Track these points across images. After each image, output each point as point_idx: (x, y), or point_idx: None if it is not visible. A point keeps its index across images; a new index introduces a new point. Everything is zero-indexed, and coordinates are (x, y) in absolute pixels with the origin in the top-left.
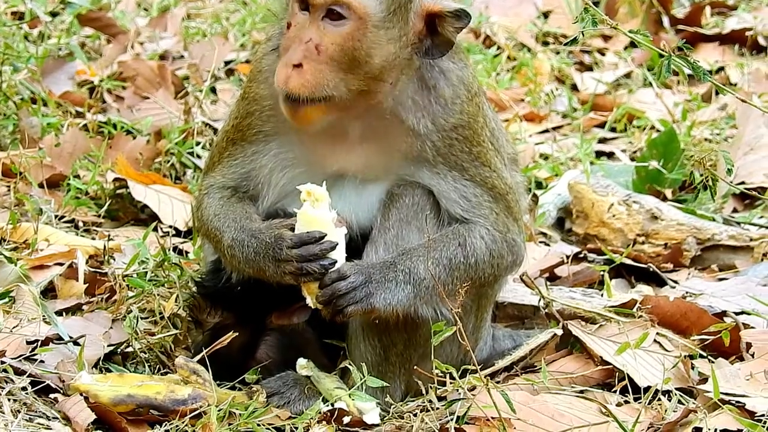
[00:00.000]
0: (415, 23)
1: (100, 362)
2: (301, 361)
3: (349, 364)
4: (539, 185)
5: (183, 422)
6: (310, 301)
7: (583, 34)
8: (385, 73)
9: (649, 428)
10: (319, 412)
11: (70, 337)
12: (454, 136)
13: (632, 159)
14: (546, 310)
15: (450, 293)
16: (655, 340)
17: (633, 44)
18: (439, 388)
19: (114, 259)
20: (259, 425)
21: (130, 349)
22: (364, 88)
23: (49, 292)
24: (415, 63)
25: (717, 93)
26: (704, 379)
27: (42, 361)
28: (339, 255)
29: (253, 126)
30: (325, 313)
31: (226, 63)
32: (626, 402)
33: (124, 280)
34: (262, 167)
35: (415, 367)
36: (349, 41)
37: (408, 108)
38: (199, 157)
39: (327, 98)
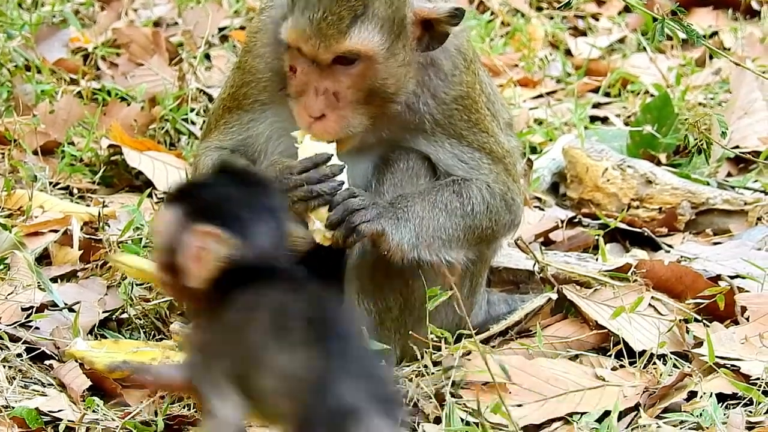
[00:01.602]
0: (413, 32)
1: (95, 329)
2: None
3: None
4: (533, 150)
5: None
6: (319, 225)
7: None
8: (400, 90)
9: (644, 392)
10: None
11: (65, 304)
12: (453, 107)
13: (626, 124)
14: (541, 275)
15: (449, 240)
16: (650, 304)
17: (627, 9)
18: (434, 353)
19: (109, 226)
20: None
21: (125, 316)
22: (384, 110)
23: (43, 258)
24: (419, 58)
25: (711, 57)
26: (699, 343)
27: (37, 328)
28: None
29: (249, 95)
30: (336, 236)
31: (221, 29)
32: (621, 366)
33: (119, 247)
34: (258, 135)
35: (410, 332)
36: (362, 80)
37: (411, 90)
38: (193, 123)
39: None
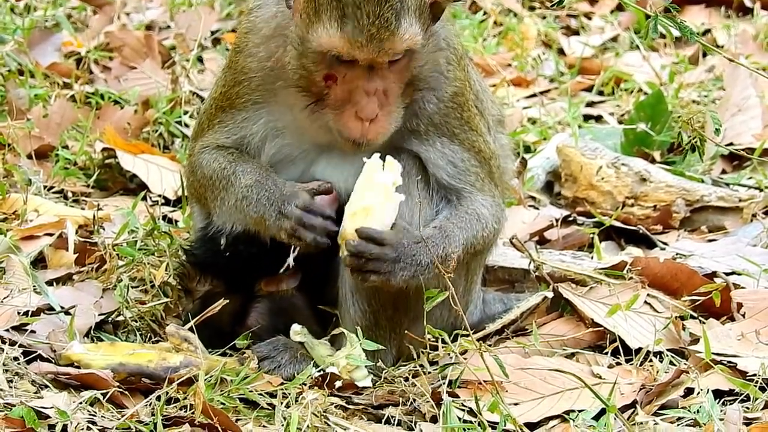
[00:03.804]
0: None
1: (92, 331)
2: (295, 327)
3: (343, 330)
4: (527, 149)
5: (178, 391)
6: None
7: None
8: (431, 73)
9: (641, 389)
10: (311, 377)
11: (61, 307)
12: (450, 105)
13: (620, 122)
14: (536, 273)
15: (457, 260)
16: (645, 302)
17: (619, 8)
18: (430, 353)
19: (104, 229)
20: (251, 391)
21: (121, 318)
22: (412, 99)
23: (39, 262)
24: None
25: (704, 55)
26: (695, 340)
27: (33, 331)
28: (388, 219)
29: (241, 95)
30: (347, 263)
31: (213, 32)
32: (618, 364)
33: (114, 250)
34: (253, 134)
35: (406, 331)
36: (406, 73)
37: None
38: (187, 126)
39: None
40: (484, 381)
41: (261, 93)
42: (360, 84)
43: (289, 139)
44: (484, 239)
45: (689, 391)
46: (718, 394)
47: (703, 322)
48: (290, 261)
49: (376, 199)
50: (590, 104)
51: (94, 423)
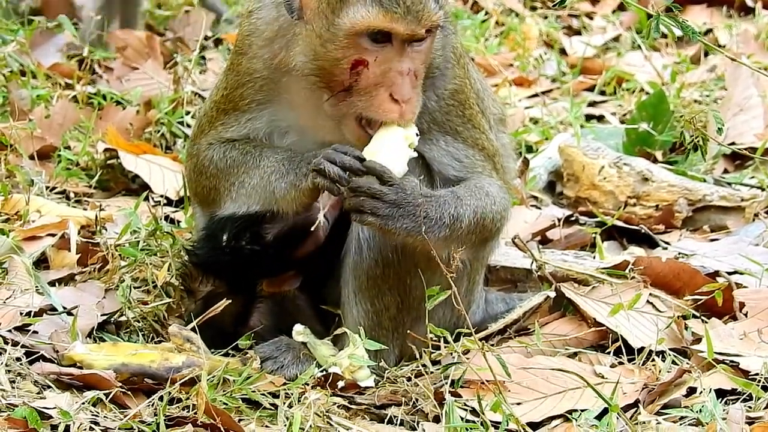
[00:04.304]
0: None
1: (94, 332)
2: (298, 327)
3: (346, 330)
4: (529, 149)
5: (180, 391)
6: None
7: None
8: (437, 67)
9: (643, 389)
10: (313, 377)
11: (64, 308)
12: (450, 103)
13: (622, 122)
14: (538, 273)
15: (465, 240)
16: (648, 301)
17: (621, 8)
18: (433, 352)
19: (106, 229)
20: (253, 391)
21: (123, 319)
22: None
23: (41, 263)
24: None
25: (706, 55)
26: (698, 339)
27: (36, 332)
28: (396, 169)
29: (245, 96)
30: (346, 204)
31: (214, 32)
32: (620, 363)
33: (116, 250)
34: (257, 129)
35: (408, 331)
36: (429, 53)
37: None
38: (189, 126)
39: None
40: (487, 381)
41: (265, 93)
42: (393, 65)
43: (294, 139)
44: (493, 216)
45: (692, 391)
46: (720, 393)
47: (706, 322)
48: (320, 218)
49: (387, 146)
50: (592, 104)
51: (96, 423)
